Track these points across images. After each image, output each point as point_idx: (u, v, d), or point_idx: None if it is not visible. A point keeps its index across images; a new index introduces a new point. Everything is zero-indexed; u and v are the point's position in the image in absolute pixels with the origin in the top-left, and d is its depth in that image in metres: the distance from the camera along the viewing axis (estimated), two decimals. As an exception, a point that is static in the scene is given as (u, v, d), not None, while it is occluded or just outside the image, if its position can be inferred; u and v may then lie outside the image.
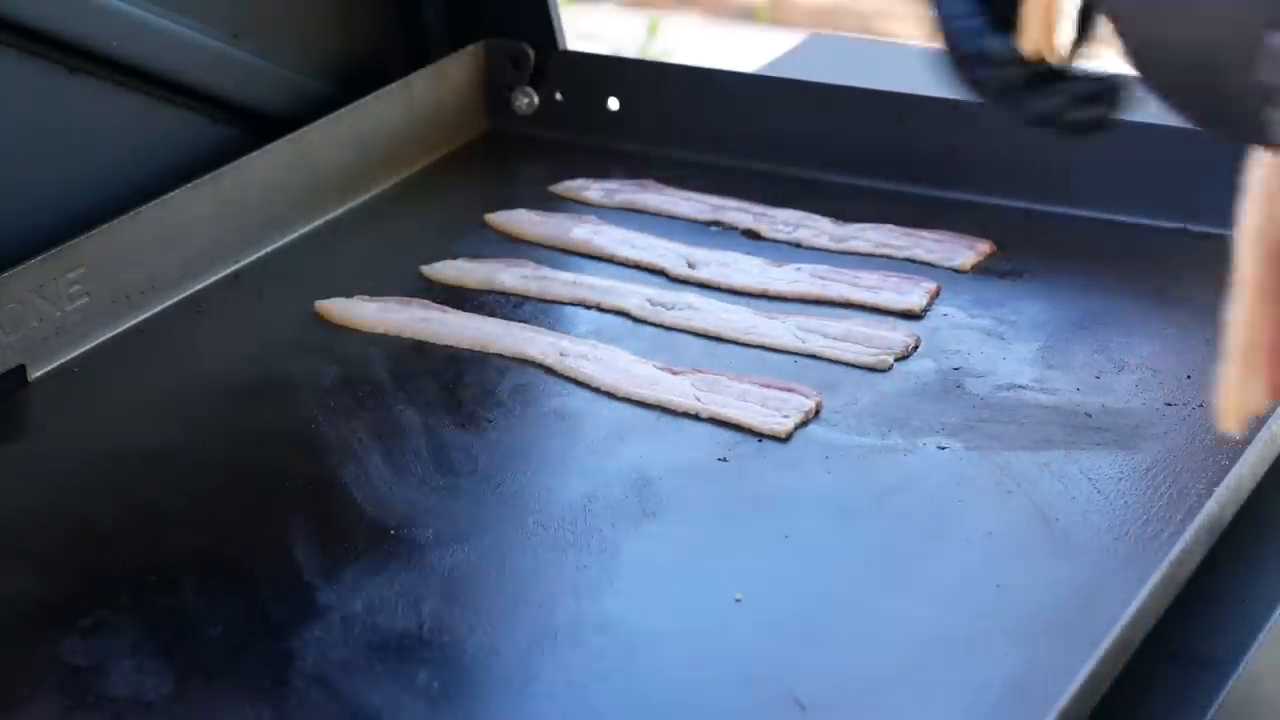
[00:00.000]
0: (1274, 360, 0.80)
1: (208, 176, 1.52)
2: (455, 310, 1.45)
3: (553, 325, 1.44)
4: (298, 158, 1.60)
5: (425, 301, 1.46)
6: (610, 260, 1.54)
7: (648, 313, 1.44)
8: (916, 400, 1.32)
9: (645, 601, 1.13)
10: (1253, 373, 0.81)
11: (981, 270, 1.51)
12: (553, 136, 1.75)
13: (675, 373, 1.35)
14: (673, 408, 1.32)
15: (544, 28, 1.76)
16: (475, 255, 1.54)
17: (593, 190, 1.65)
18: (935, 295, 1.46)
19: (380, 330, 1.43)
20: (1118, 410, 1.30)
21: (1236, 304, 0.83)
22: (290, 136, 1.60)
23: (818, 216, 1.58)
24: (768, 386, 1.33)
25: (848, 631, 1.09)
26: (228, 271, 1.53)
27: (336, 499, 1.23)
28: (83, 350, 1.42)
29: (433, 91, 1.73)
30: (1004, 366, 1.36)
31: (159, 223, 1.48)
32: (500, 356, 1.39)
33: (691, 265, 1.51)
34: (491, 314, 1.45)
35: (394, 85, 1.69)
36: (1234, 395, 0.82)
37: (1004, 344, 1.39)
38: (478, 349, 1.40)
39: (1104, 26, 0.87)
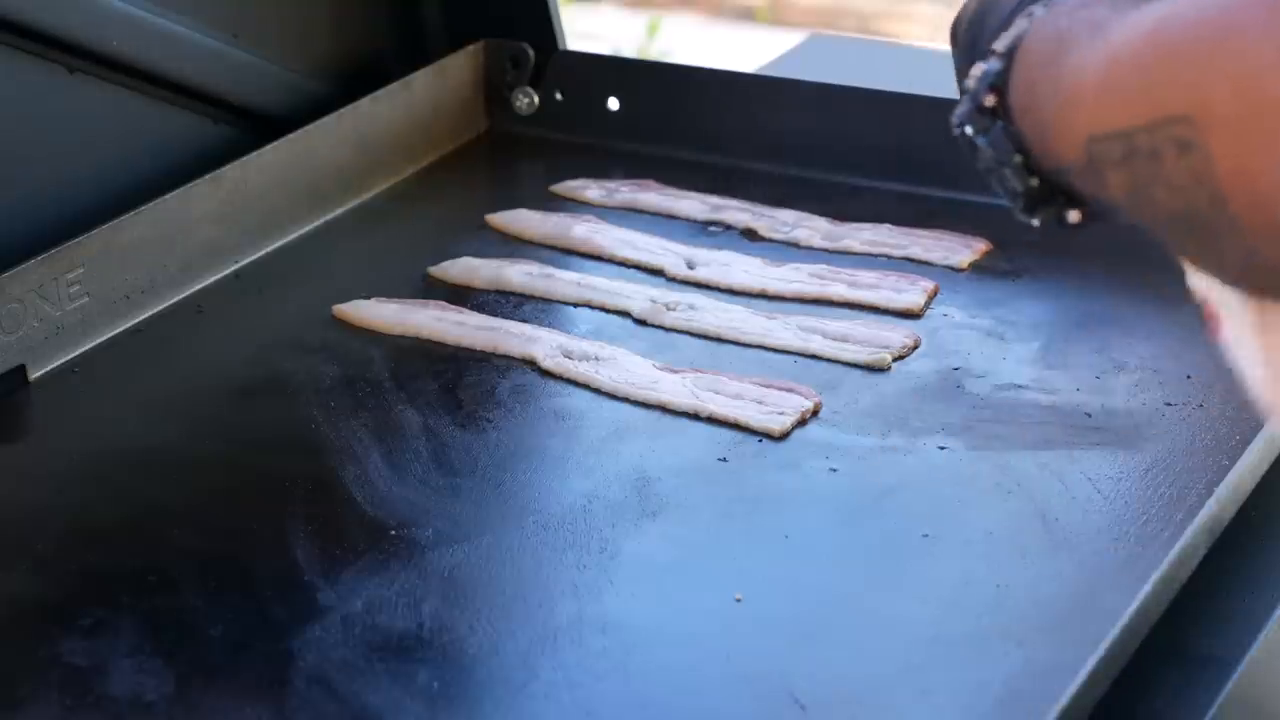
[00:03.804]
0: None
1: (208, 176, 1.52)
2: (470, 311, 1.45)
3: (553, 325, 1.44)
4: (298, 158, 1.60)
5: (441, 303, 1.46)
6: (610, 260, 1.54)
7: (649, 313, 1.44)
8: (916, 400, 1.32)
9: (645, 601, 1.13)
10: None
11: (981, 270, 1.50)
12: (553, 136, 1.75)
13: (675, 372, 1.35)
14: (672, 408, 1.32)
15: (544, 28, 1.76)
16: (476, 255, 1.54)
17: (593, 190, 1.65)
18: (934, 294, 1.46)
19: (397, 331, 1.43)
20: (1118, 410, 1.29)
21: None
22: (290, 136, 1.60)
23: (816, 216, 1.58)
24: (767, 386, 1.32)
25: (848, 631, 1.09)
26: (228, 271, 1.53)
27: (336, 499, 1.23)
28: (83, 350, 1.42)
29: (433, 91, 1.73)
30: (1004, 366, 1.36)
31: (159, 223, 1.48)
32: (502, 356, 1.39)
33: (691, 265, 1.51)
34: (493, 314, 1.45)
35: (394, 85, 1.69)
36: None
37: (1004, 344, 1.39)
38: (489, 349, 1.40)
39: None
